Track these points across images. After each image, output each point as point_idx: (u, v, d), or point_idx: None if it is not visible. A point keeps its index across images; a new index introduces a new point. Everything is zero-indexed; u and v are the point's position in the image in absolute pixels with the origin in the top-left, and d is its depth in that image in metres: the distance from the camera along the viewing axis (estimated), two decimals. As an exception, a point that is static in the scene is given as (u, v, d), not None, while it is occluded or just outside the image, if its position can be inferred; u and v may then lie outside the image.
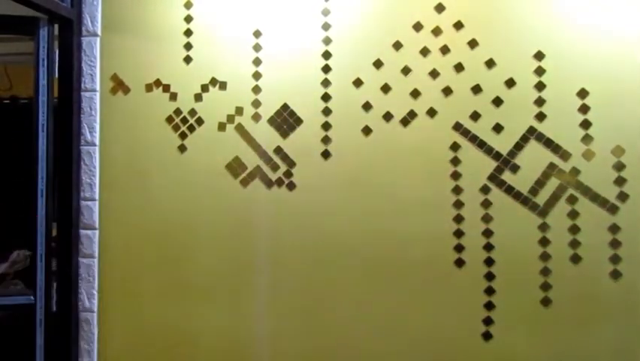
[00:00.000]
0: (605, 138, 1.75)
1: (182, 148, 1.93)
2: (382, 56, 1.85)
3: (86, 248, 1.93)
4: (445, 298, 1.79)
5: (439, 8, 1.83)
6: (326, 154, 1.87)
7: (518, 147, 1.79)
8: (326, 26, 1.88)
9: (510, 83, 1.80)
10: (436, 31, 1.83)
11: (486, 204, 1.79)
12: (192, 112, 1.93)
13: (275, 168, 1.89)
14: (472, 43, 1.81)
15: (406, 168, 1.83)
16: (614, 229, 1.74)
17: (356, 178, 1.84)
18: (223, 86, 1.92)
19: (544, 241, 1.76)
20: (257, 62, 1.91)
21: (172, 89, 1.94)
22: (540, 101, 1.78)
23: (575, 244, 1.75)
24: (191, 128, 1.93)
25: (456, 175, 1.81)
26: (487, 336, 1.78)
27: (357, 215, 1.84)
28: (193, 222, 1.91)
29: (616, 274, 1.73)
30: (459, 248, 1.80)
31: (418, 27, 1.84)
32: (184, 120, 1.94)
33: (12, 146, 2.37)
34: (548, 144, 1.77)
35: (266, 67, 1.90)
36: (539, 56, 1.78)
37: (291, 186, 1.88)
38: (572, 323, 1.74)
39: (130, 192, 1.95)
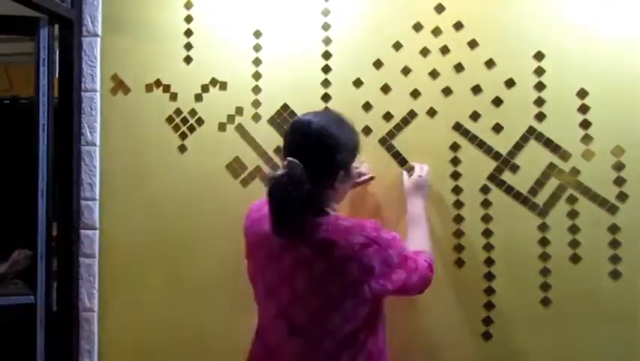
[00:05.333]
0: (604, 138, 1.75)
1: (182, 148, 1.94)
2: (382, 56, 1.85)
3: (86, 248, 1.93)
4: (445, 299, 1.79)
5: (439, 8, 1.83)
6: (326, 154, 1.86)
7: (518, 147, 1.79)
8: (326, 26, 1.88)
9: (510, 83, 1.80)
10: (436, 32, 1.83)
11: (486, 204, 1.79)
12: (192, 112, 1.93)
13: (275, 168, 1.89)
14: (472, 44, 1.81)
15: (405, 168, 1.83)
16: (614, 229, 1.73)
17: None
18: (223, 86, 1.92)
19: (543, 241, 1.76)
20: (257, 62, 1.91)
21: (172, 90, 1.94)
22: (540, 102, 1.78)
23: (574, 244, 1.75)
24: (192, 129, 1.93)
25: (456, 175, 1.81)
26: (487, 336, 1.78)
27: (357, 215, 1.83)
28: (193, 222, 1.91)
29: (616, 274, 1.73)
30: (459, 248, 1.80)
31: (418, 27, 1.84)
32: (184, 120, 1.94)
33: (12, 146, 2.37)
34: (548, 144, 1.77)
35: (266, 67, 1.90)
36: (539, 56, 1.78)
37: (291, 186, 1.88)
38: (572, 323, 1.74)
39: (130, 192, 1.95)
